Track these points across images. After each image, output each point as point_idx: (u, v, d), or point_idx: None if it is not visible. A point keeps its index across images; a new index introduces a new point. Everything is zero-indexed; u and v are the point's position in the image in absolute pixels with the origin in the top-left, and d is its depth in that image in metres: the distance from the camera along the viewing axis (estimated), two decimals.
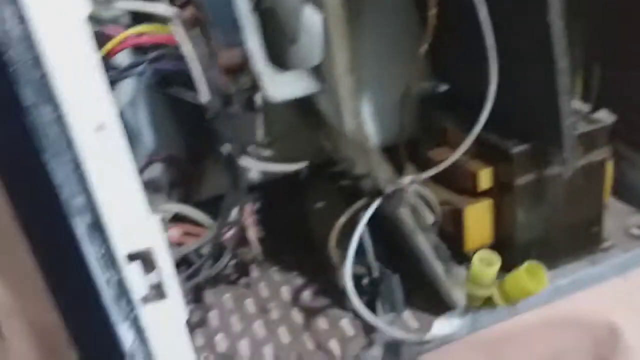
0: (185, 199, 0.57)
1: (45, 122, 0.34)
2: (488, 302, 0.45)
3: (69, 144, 0.34)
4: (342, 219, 0.47)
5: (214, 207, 0.54)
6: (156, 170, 0.56)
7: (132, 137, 0.55)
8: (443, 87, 0.64)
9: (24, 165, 0.34)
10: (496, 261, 0.43)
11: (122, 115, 0.54)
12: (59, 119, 0.34)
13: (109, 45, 0.36)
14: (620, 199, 0.66)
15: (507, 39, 0.48)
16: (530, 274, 0.43)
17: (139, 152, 0.56)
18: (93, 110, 0.34)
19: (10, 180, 0.35)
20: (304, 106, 0.55)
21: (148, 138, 0.56)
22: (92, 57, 0.33)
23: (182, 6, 0.39)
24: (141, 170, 0.56)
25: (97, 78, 0.34)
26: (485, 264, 0.42)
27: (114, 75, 0.37)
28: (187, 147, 0.56)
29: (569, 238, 0.56)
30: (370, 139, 0.44)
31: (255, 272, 0.62)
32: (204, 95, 0.40)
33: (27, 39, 0.32)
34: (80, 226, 0.36)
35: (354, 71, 0.42)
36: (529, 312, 0.51)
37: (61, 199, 0.35)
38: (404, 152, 0.59)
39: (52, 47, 0.33)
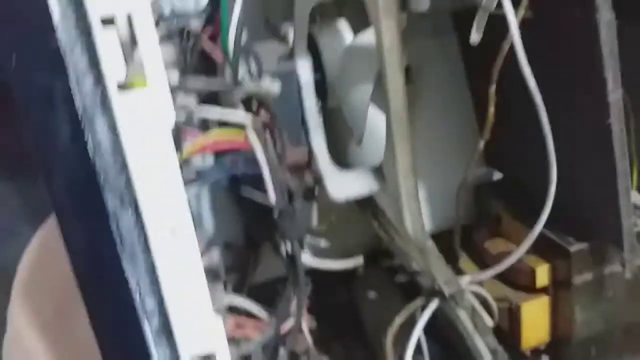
0: (241, 286, 0.57)
1: (125, 226, 0.35)
2: None
3: (145, 247, 0.35)
4: (399, 320, 0.47)
5: (265, 293, 0.55)
6: (214, 257, 0.57)
7: (195, 224, 0.57)
8: (498, 175, 0.65)
9: (102, 268, 0.35)
10: None
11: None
12: (138, 224, 0.35)
13: (189, 150, 0.37)
14: None
15: (567, 138, 0.49)
16: None
17: (199, 238, 0.57)
18: (170, 215, 0.35)
19: (88, 279, 0.36)
20: (360, 198, 0.56)
21: (208, 224, 0.58)
22: (173, 164, 0.35)
23: (255, 112, 0.40)
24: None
25: (177, 184, 0.35)
26: None
27: (192, 182, 0.38)
28: (245, 236, 0.57)
29: (631, 337, 0.55)
30: (430, 239, 0.44)
31: None
32: (272, 196, 0.41)
33: (116, 149, 0.34)
34: (149, 329, 0.37)
35: (415, 173, 0.42)
36: None
37: (134, 302, 0.36)
38: (458, 241, 0.59)
39: (137, 156, 0.34)
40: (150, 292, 0.36)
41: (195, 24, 0.47)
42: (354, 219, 0.59)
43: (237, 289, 0.57)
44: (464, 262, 0.59)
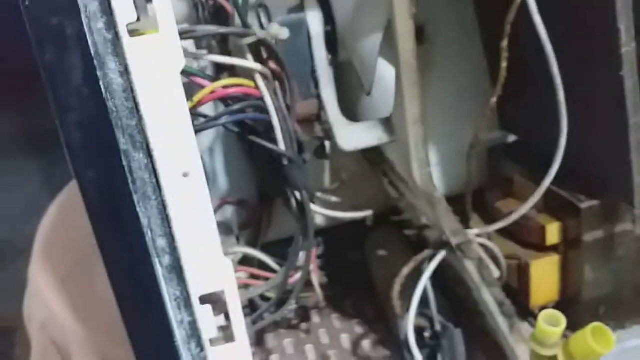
0: (253, 242, 0.58)
1: (137, 166, 0.36)
2: None
3: (157, 188, 0.36)
4: (406, 270, 0.47)
5: (279, 250, 0.56)
6: (228, 212, 0.58)
7: (209, 180, 0.58)
8: (511, 138, 0.65)
9: (116, 205, 0.36)
10: (562, 321, 0.42)
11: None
12: (150, 165, 0.36)
13: (198, 96, 0.38)
14: None
15: (579, 93, 0.48)
16: (596, 335, 0.41)
17: (213, 195, 0.58)
18: (181, 158, 0.36)
19: (101, 219, 0.37)
20: (370, 154, 0.56)
21: (222, 182, 0.59)
22: (183, 109, 0.36)
23: (263, 61, 0.41)
24: (215, 212, 0.58)
25: (187, 128, 0.36)
26: (551, 323, 0.42)
27: (202, 125, 0.39)
28: (258, 192, 0.58)
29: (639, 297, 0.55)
30: (438, 190, 0.45)
31: (316, 317, 0.62)
32: (281, 144, 0.41)
33: (127, 90, 0.35)
34: (160, 267, 0.38)
35: (424, 121, 0.42)
36: None
37: (146, 240, 0.37)
38: (470, 202, 0.59)
39: (147, 98, 0.35)
40: (162, 232, 0.37)
41: None
42: (364, 178, 0.59)
43: (252, 245, 0.58)
44: (475, 222, 0.59)
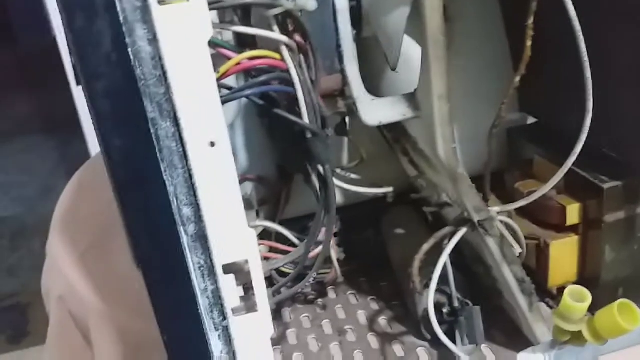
0: (272, 218, 0.58)
1: (164, 135, 0.36)
2: (576, 338, 0.44)
3: (183, 157, 0.36)
4: (427, 246, 0.47)
5: (298, 226, 0.56)
6: (247, 188, 0.59)
7: None
8: (531, 119, 0.64)
9: (142, 173, 0.36)
10: (588, 297, 0.42)
11: None
12: (177, 133, 0.36)
13: (225, 67, 0.38)
14: None
15: (603, 72, 0.48)
16: (623, 312, 0.41)
17: None
18: (207, 127, 0.36)
19: (126, 184, 0.37)
20: (391, 132, 0.56)
21: (242, 158, 0.59)
22: (210, 78, 0.36)
23: (289, 34, 0.41)
24: None
25: (214, 98, 0.36)
26: (577, 299, 0.42)
27: (229, 95, 0.39)
28: (277, 169, 0.58)
29: None
30: (461, 166, 0.45)
31: (332, 294, 0.63)
32: (305, 117, 0.41)
33: (155, 58, 0.35)
34: (185, 235, 0.38)
35: (449, 97, 0.42)
36: (616, 353, 0.50)
37: (172, 208, 0.37)
38: (489, 182, 0.59)
39: (175, 67, 0.35)
40: (187, 201, 0.37)
41: None
42: (382, 156, 0.59)
43: (270, 219, 0.59)
44: (493, 203, 0.59)
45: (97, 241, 0.72)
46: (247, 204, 0.56)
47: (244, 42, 0.46)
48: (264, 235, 0.56)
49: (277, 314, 0.60)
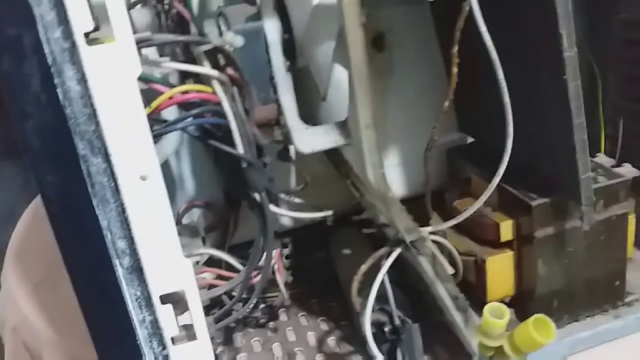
0: (221, 244, 0.59)
1: (96, 171, 0.37)
2: (499, 353, 0.45)
3: (115, 192, 0.38)
4: (364, 267, 0.49)
5: (247, 251, 0.57)
6: (195, 215, 0.60)
7: (176, 183, 0.60)
8: (470, 139, 0.67)
9: (75, 208, 0.37)
10: (506, 313, 0.44)
11: (167, 164, 0.59)
12: (108, 169, 0.37)
13: (157, 101, 0.39)
14: None
15: (527, 95, 0.51)
16: (538, 327, 0.43)
17: (180, 197, 0.59)
18: (138, 162, 0.38)
19: (61, 222, 0.38)
20: (333, 156, 0.58)
21: (189, 185, 0.60)
22: (140, 114, 0.37)
23: (221, 68, 0.42)
24: (182, 215, 0.60)
25: (144, 133, 0.37)
26: (496, 315, 0.44)
27: (160, 129, 0.41)
28: (225, 195, 0.60)
29: (591, 291, 0.57)
30: (391, 190, 0.47)
31: (283, 316, 0.64)
32: (240, 147, 0.43)
33: (84, 97, 0.36)
34: (121, 268, 0.39)
35: (376, 125, 0.44)
36: (585, 351, 0.52)
37: (106, 242, 0.38)
38: (429, 201, 0.61)
39: (105, 104, 0.36)
40: (121, 234, 0.38)
41: None
42: (330, 179, 0.61)
43: (219, 246, 0.60)
44: (435, 221, 0.61)
45: (50, 272, 0.73)
46: (193, 231, 0.58)
47: (187, 74, 0.48)
48: (214, 261, 0.57)
49: (228, 338, 0.61)
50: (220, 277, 0.54)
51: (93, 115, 0.36)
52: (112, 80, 0.36)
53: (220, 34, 0.46)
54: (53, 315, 0.67)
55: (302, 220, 0.59)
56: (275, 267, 0.55)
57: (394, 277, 0.53)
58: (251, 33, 0.44)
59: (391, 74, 0.64)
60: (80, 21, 0.34)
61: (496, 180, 0.48)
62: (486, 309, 0.43)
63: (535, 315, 0.43)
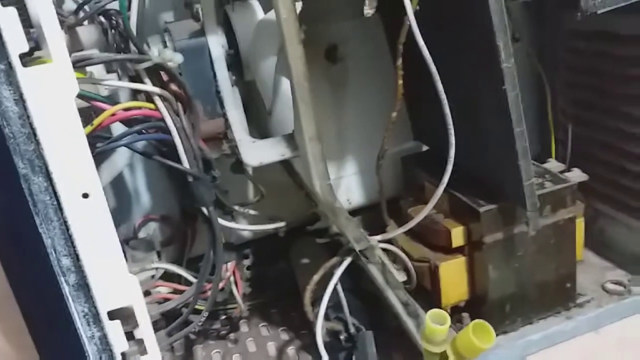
0: (179, 257, 0.60)
1: (38, 189, 0.37)
2: (443, 359, 0.46)
3: (58, 210, 0.38)
4: (316, 277, 0.50)
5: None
6: (151, 228, 0.60)
7: (132, 197, 0.60)
8: (424, 147, 0.68)
9: (18, 227, 0.38)
10: (447, 319, 0.45)
11: (122, 178, 0.59)
12: (50, 187, 0.38)
13: (99, 119, 0.40)
14: (599, 255, 0.68)
15: (469, 105, 0.52)
16: (477, 332, 0.44)
17: (136, 211, 0.60)
18: (80, 180, 0.38)
19: (4, 238, 0.38)
20: (288, 168, 0.59)
21: (145, 198, 0.60)
22: (79, 132, 0.37)
23: (164, 84, 0.43)
24: (138, 229, 0.60)
25: (84, 151, 0.38)
26: (437, 322, 0.44)
27: (103, 146, 0.41)
28: (181, 208, 0.60)
29: (543, 294, 0.58)
30: (338, 200, 0.48)
31: (245, 327, 0.65)
32: (185, 162, 0.44)
33: (23, 117, 0.36)
34: (67, 285, 0.39)
35: (321, 137, 0.45)
36: (544, 351, 0.53)
37: (50, 259, 0.38)
38: (385, 209, 0.62)
39: (44, 124, 0.37)
40: (66, 251, 0.39)
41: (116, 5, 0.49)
42: (285, 190, 0.62)
43: (177, 260, 0.60)
44: (392, 228, 0.62)
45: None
46: (149, 245, 0.58)
47: (140, 91, 0.48)
48: (175, 275, 0.57)
49: (188, 351, 0.61)
50: (176, 291, 0.55)
51: (32, 134, 0.37)
52: (50, 100, 0.37)
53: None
54: (9, 333, 0.67)
55: (261, 231, 0.59)
56: (234, 279, 0.56)
57: (350, 285, 0.54)
58: (194, 49, 0.45)
59: (347, 85, 0.65)
60: (15, 43, 0.35)
61: (441, 187, 0.49)
62: (428, 315, 0.44)
63: (475, 321, 0.44)
